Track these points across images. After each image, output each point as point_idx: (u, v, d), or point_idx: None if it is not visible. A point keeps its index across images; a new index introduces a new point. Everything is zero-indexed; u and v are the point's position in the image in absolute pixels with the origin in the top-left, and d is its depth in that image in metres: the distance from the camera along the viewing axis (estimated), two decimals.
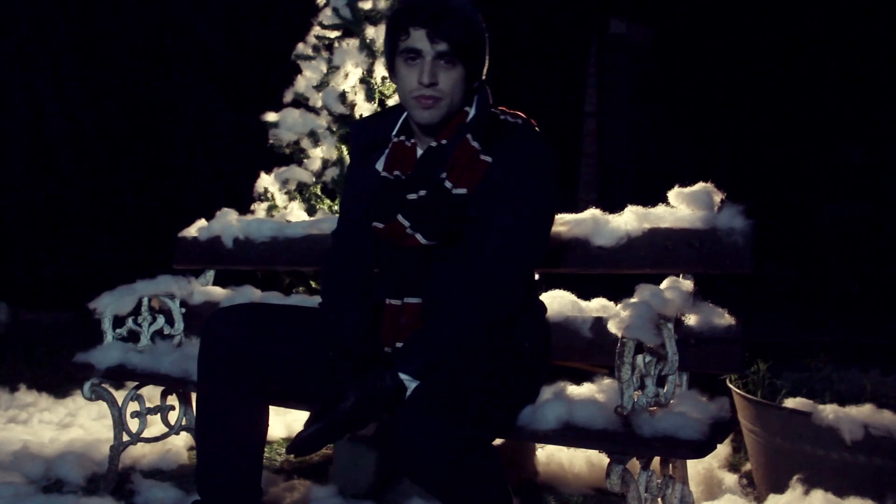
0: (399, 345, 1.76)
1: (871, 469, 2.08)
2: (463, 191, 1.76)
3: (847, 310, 5.72)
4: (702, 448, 1.60)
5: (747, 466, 2.58)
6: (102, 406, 3.44)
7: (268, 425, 1.84)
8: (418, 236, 1.76)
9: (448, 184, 1.76)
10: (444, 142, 1.82)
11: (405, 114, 1.91)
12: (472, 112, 1.85)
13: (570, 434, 1.69)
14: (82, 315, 2.80)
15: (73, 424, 3.30)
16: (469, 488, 1.55)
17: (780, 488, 2.19)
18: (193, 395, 2.92)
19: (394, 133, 1.92)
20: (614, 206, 2.17)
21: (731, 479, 2.40)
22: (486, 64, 1.86)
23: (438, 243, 1.77)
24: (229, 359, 1.76)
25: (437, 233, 1.76)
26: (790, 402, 2.23)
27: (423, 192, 1.78)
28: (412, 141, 1.87)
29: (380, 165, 1.90)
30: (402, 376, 1.63)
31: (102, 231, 7.34)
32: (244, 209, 3.09)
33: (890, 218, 6.00)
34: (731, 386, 2.46)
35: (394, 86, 3.08)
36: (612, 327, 1.72)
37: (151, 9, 7.34)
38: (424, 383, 1.61)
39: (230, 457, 1.76)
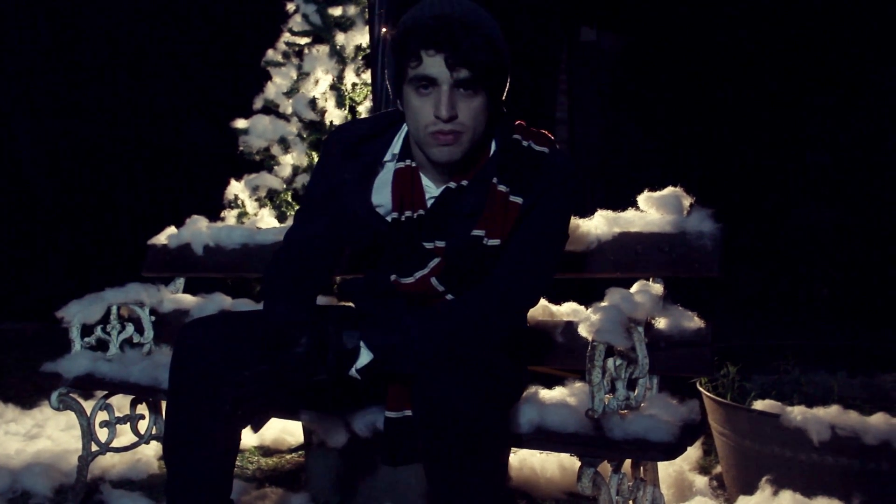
0: (408, 412, 1.67)
1: (837, 469, 2.11)
2: (497, 242, 1.62)
3: (815, 314, 5.80)
4: (672, 450, 1.61)
5: (718, 469, 2.60)
6: (70, 416, 3.41)
7: (240, 437, 1.81)
8: (449, 296, 1.67)
9: (485, 239, 1.62)
10: (464, 183, 1.67)
11: (404, 131, 1.74)
12: (493, 146, 1.69)
13: (543, 438, 1.70)
14: (49, 325, 2.76)
15: (41, 435, 3.26)
16: (482, 461, 1.48)
17: (750, 490, 2.22)
18: (164, 404, 2.90)
19: (391, 158, 1.74)
20: (585, 212, 2.17)
21: (701, 481, 2.42)
22: (508, 85, 1.68)
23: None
24: (202, 370, 1.71)
25: (467, 288, 1.66)
26: (759, 405, 2.26)
27: (441, 244, 1.66)
28: (413, 165, 1.70)
29: (378, 199, 1.73)
30: (362, 345, 1.57)
31: (69, 240, 7.25)
32: (214, 216, 3.06)
33: (857, 223, 6.09)
34: (700, 389, 2.48)
35: (365, 91, 3.09)
36: (583, 331, 1.72)
37: (119, 17, 7.27)
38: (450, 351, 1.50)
39: (202, 470, 1.71)
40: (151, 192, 7.36)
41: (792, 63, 7.18)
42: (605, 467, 1.69)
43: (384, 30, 2.58)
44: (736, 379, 2.56)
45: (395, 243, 1.71)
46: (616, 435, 1.64)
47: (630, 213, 2.07)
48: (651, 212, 2.05)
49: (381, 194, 1.75)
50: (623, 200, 2.17)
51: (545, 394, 1.87)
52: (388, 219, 1.72)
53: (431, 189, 1.72)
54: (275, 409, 1.92)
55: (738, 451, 2.32)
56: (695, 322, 1.90)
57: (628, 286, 1.94)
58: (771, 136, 7.32)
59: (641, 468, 1.84)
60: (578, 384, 1.95)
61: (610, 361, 1.71)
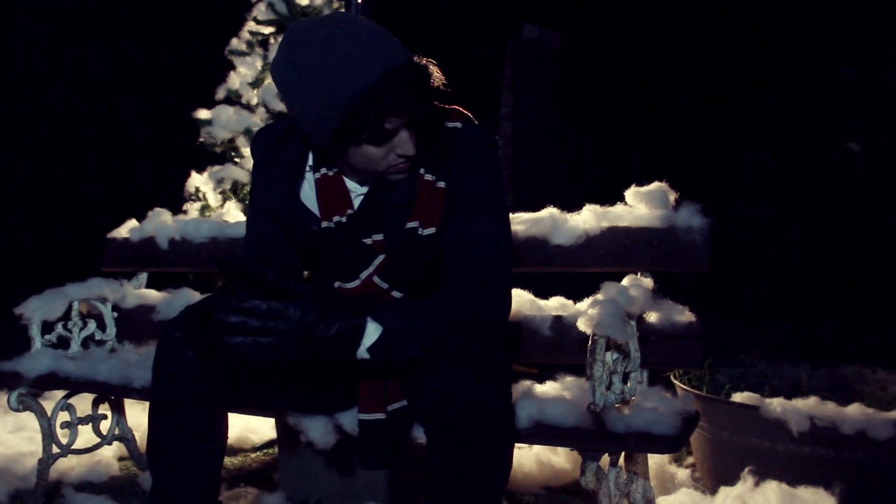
0: (392, 406, 1.63)
1: (815, 459, 2.16)
2: (432, 230, 1.62)
3: (757, 309, 5.95)
4: (675, 442, 1.62)
5: (689, 460, 2.64)
6: (19, 417, 3.27)
7: (227, 436, 1.75)
8: (394, 293, 1.64)
9: (420, 229, 1.62)
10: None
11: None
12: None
13: (542, 432, 1.69)
14: None
15: None
16: (491, 454, 1.45)
17: (728, 481, 2.25)
18: (127, 403, 2.81)
19: (310, 169, 1.72)
20: (529, 209, 2.16)
21: (683, 473, 2.45)
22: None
23: (414, 292, 1.65)
24: (188, 366, 1.64)
25: (415, 284, 1.64)
26: (738, 397, 2.30)
27: (379, 237, 1.65)
28: (334, 170, 1.68)
29: (306, 199, 1.72)
30: (370, 320, 1.49)
31: (19, 234, 6.96)
32: (171, 209, 2.94)
33: (795, 219, 6.27)
34: (676, 382, 2.51)
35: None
36: (582, 325, 1.72)
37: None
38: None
39: (190, 472, 1.64)
40: (104, 183, 7.12)
41: (734, 62, 7.36)
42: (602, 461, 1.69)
43: None
44: (707, 372, 2.60)
45: (332, 248, 1.68)
46: (618, 429, 1.63)
47: (619, 208, 2.08)
48: (639, 206, 2.06)
49: (309, 202, 1.73)
50: (565, 198, 2.17)
51: (540, 388, 1.86)
52: (322, 226, 1.69)
53: (357, 189, 1.70)
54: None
55: (716, 443, 2.35)
56: (686, 316, 1.92)
57: (615, 280, 1.95)
58: (711, 134, 7.49)
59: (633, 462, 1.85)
60: (570, 378, 1.94)
61: (608, 355, 1.71)
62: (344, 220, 1.66)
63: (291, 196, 1.73)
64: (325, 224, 1.68)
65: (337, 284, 1.67)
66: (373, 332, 1.49)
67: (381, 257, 1.64)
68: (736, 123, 7.16)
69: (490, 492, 1.49)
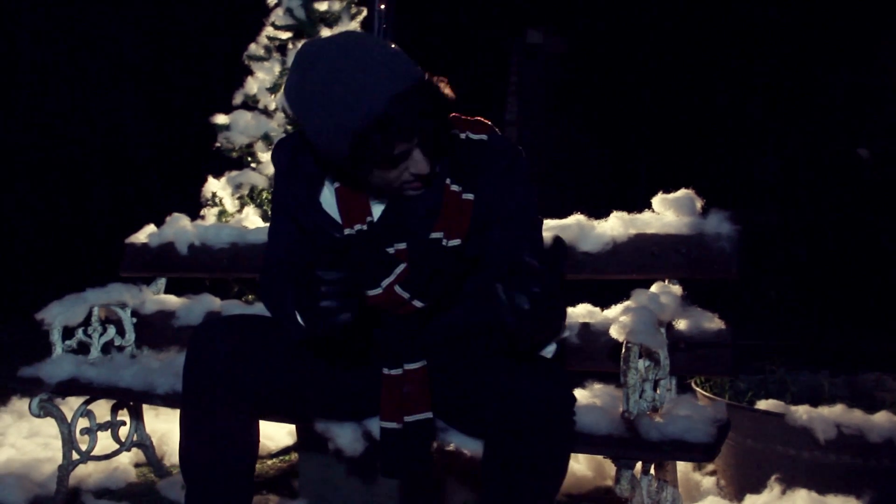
0: (408, 418, 1.63)
1: (841, 467, 2.15)
2: (457, 242, 1.62)
3: (763, 314, 5.95)
4: (711, 450, 1.62)
5: (710, 468, 2.63)
6: (33, 423, 3.26)
7: (258, 442, 1.75)
8: (415, 302, 1.63)
9: (444, 240, 1.61)
10: None
11: None
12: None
13: (578, 440, 1.68)
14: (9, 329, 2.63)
15: (3, 444, 3.09)
16: (550, 458, 1.46)
17: (752, 488, 2.25)
18: (146, 410, 2.80)
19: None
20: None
21: (709, 481, 2.44)
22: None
23: (434, 304, 1.65)
24: (219, 373, 1.63)
25: (437, 295, 1.64)
26: (762, 404, 2.29)
27: (402, 246, 1.64)
28: None
29: (327, 206, 1.71)
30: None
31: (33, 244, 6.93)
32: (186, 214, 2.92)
33: (803, 226, 6.28)
34: (697, 389, 2.51)
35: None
36: (615, 332, 1.72)
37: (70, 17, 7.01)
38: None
39: (223, 479, 1.64)
40: (115, 191, 7.11)
41: (740, 67, 7.38)
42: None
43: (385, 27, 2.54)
44: (727, 379, 2.60)
45: (354, 255, 1.67)
46: (653, 436, 1.63)
47: (646, 215, 2.08)
48: (667, 213, 2.06)
49: (331, 209, 1.72)
50: (570, 200, 2.18)
51: None
52: (344, 233, 1.69)
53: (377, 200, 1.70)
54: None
55: (739, 451, 2.35)
56: (715, 323, 1.91)
57: (642, 288, 1.95)
58: (718, 139, 7.51)
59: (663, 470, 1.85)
60: (598, 386, 1.95)
61: (640, 363, 1.70)
62: (365, 227, 1.66)
63: (312, 204, 1.73)
64: (346, 231, 1.68)
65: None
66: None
67: (402, 266, 1.64)
68: (743, 128, 7.16)
69: (549, 497, 1.50)
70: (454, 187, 1.63)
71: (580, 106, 9.03)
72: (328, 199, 1.73)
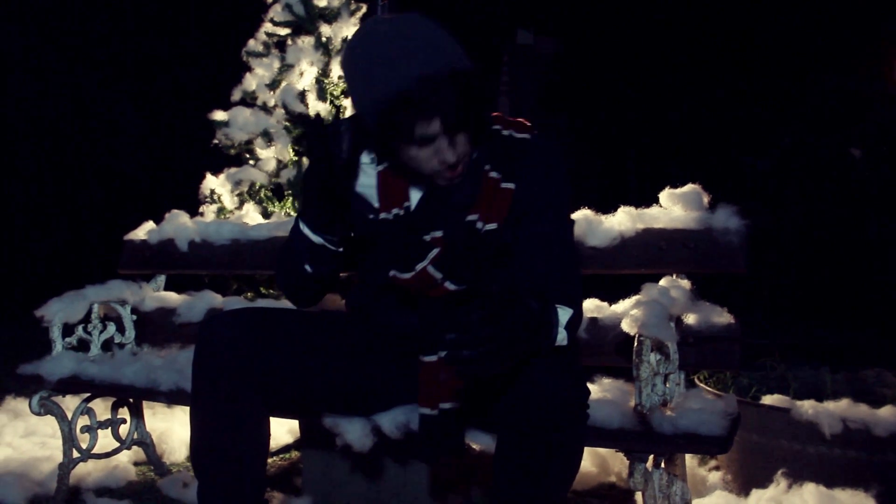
0: (444, 405, 1.62)
1: (847, 461, 2.16)
2: (493, 226, 1.63)
3: (755, 313, 5.97)
4: (724, 443, 1.61)
5: (713, 462, 2.63)
6: (29, 422, 3.23)
7: (269, 437, 1.74)
8: (448, 284, 1.65)
9: (479, 223, 1.63)
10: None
11: None
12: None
13: (591, 434, 1.67)
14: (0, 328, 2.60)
15: (0, 444, 3.06)
16: (564, 452, 1.46)
17: (757, 483, 2.25)
18: (146, 406, 2.78)
19: (370, 161, 1.75)
20: None
21: (714, 476, 2.44)
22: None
23: (469, 287, 1.66)
24: (231, 365, 1.62)
25: (470, 278, 1.64)
26: (767, 399, 2.30)
27: (438, 234, 1.66)
28: None
29: (363, 189, 1.74)
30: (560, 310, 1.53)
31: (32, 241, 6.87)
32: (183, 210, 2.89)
33: (791, 228, 6.31)
34: (700, 384, 2.51)
35: (345, 84, 3.01)
36: (626, 326, 1.72)
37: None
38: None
39: (237, 473, 1.63)
40: (114, 189, 7.06)
41: (732, 68, 7.40)
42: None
43: None
44: (730, 375, 2.60)
45: (391, 239, 1.70)
46: (665, 430, 1.63)
47: (654, 210, 2.08)
48: (674, 208, 2.06)
49: (367, 193, 1.75)
50: None
51: None
52: (380, 217, 1.71)
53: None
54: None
55: (744, 445, 2.35)
56: (724, 318, 1.92)
57: (644, 282, 1.94)
58: (708, 140, 7.53)
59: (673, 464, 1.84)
60: (608, 380, 1.94)
61: (652, 356, 1.70)
62: (402, 212, 1.69)
63: (346, 188, 1.74)
64: (383, 215, 1.70)
65: (392, 273, 1.68)
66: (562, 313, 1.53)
67: (435, 251, 1.66)
68: (734, 130, 7.19)
69: (560, 492, 1.49)
70: (493, 174, 1.66)
71: (570, 106, 9.03)
72: (365, 182, 1.76)
